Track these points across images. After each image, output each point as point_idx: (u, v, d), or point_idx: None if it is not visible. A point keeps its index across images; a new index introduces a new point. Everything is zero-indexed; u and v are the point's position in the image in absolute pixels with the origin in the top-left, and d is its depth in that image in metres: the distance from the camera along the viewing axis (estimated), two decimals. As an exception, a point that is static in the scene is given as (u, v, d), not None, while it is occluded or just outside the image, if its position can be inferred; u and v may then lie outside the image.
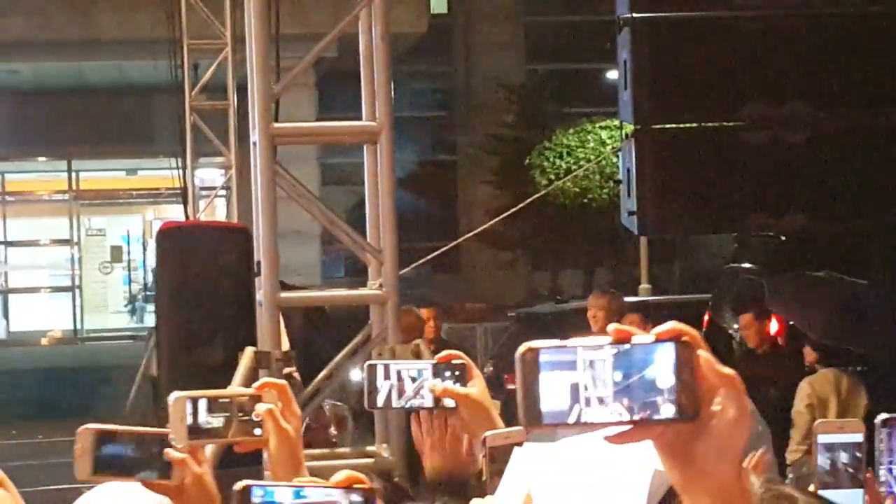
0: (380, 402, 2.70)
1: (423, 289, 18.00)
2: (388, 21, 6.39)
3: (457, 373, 2.66)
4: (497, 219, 15.56)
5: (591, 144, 23.17)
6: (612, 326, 1.38)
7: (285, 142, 6.66)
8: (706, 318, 13.54)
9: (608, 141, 22.21)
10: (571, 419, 1.37)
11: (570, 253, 24.58)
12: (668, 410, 1.36)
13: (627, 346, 1.37)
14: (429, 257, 13.42)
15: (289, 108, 9.52)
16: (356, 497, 1.77)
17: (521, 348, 1.39)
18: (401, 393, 2.68)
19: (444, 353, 2.73)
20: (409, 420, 2.96)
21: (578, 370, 1.37)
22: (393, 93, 6.48)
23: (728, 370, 1.38)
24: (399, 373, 2.67)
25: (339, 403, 10.03)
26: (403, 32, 16.40)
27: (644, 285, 20.22)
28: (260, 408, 2.25)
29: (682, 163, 7.85)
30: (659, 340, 1.37)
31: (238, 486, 1.78)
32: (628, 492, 1.65)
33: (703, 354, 1.37)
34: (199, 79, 13.63)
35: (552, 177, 22.33)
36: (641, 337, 1.38)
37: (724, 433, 1.37)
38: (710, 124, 7.90)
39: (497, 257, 25.09)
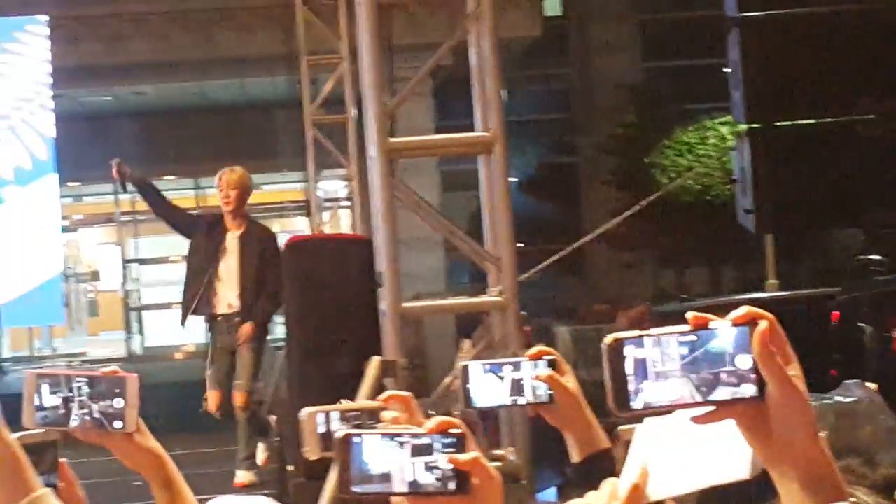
0: (479, 401, 2.72)
1: (547, 292, 18.03)
2: (497, 32, 6.47)
3: (550, 368, 2.69)
4: (619, 218, 15.53)
5: (712, 141, 23.05)
6: (690, 314, 1.48)
7: (401, 156, 6.80)
8: (836, 313, 13.37)
9: (728, 137, 22.05)
10: (657, 404, 1.48)
11: (695, 251, 24.44)
12: (748, 390, 1.47)
13: (707, 331, 1.48)
14: (551, 260, 13.45)
15: (407, 117, 9.65)
16: (449, 440, 1.83)
17: (607, 339, 1.49)
18: (497, 390, 2.71)
19: (535, 349, 2.73)
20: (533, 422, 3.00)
21: (660, 356, 1.48)
22: (510, 97, 6.57)
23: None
24: (494, 370, 2.71)
25: (469, 410, 10.14)
26: (518, 37, 16.49)
27: (771, 281, 20.06)
28: (386, 415, 2.32)
29: (796, 159, 7.84)
30: (736, 325, 1.48)
31: (339, 435, 1.87)
32: (733, 458, 1.73)
33: (770, 330, 1.46)
34: (318, 93, 13.82)
35: (673, 175, 22.25)
36: (719, 322, 1.48)
37: (799, 407, 1.47)
38: (824, 120, 7.87)
39: (621, 258, 25.02)
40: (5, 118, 14.00)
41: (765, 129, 7.78)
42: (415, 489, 1.77)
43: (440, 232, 7.20)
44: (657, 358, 1.48)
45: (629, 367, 1.49)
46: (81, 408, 2.20)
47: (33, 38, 14.05)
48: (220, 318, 10.08)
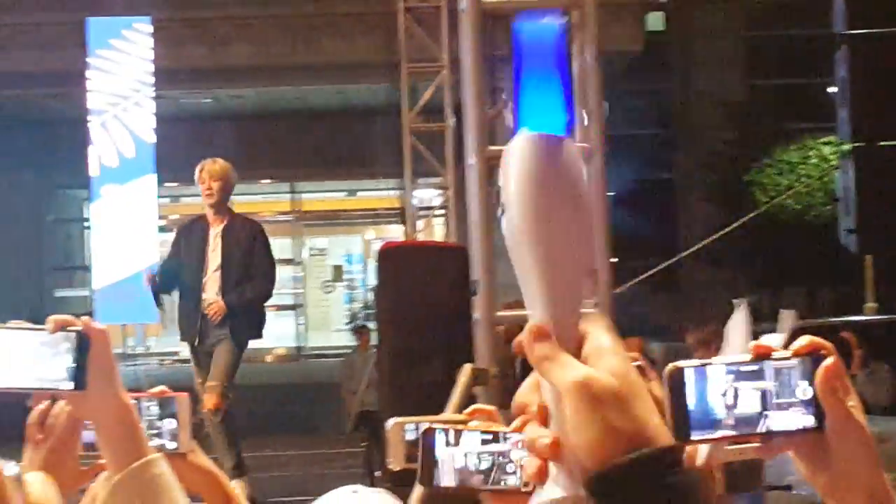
0: None
1: (639, 307, 17.91)
2: (600, 44, 6.44)
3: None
4: (715, 236, 15.41)
5: (814, 161, 22.79)
6: (752, 343, 1.48)
7: (499, 164, 6.78)
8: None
9: (830, 157, 21.80)
10: (718, 434, 1.46)
11: (792, 271, 24.18)
12: (808, 421, 1.45)
13: (768, 361, 1.46)
14: (648, 274, 13.37)
15: (504, 126, 9.62)
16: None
17: (668, 368, 1.47)
18: None
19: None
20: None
21: (723, 385, 1.46)
22: (610, 111, 6.52)
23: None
24: None
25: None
26: (620, 51, 16.40)
27: (869, 304, 19.77)
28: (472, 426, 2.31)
29: (901, 180, 7.72)
30: (797, 355, 1.46)
31: (422, 427, 1.87)
32: None
33: (835, 365, 1.45)
34: (417, 101, 13.85)
35: (773, 194, 22.04)
36: (781, 353, 1.46)
37: (859, 438, 1.46)
38: (931, 140, 7.75)
39: (716, 275, 24.82)
40: (104, 113, 14.15)
41: (870, 149, 7.67)
42: (493, 484, 1.79)
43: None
44: (731, 397, 1.47)
45: (690, 397, 1.47)
46: (150, 428, 2.19)
47: (138, 38, 14.20)
48: (204, 317, 9.38)
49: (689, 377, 1.45)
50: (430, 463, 1.82)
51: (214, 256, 9.42)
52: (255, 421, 14.98)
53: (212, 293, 9.34)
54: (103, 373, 1.85)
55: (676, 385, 1.46)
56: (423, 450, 1.82)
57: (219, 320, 9.28)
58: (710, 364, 1.46)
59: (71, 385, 1.82)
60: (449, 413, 5.42)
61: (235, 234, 9.44)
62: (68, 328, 1.83)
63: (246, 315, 9.43)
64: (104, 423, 1.87)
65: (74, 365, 1.82)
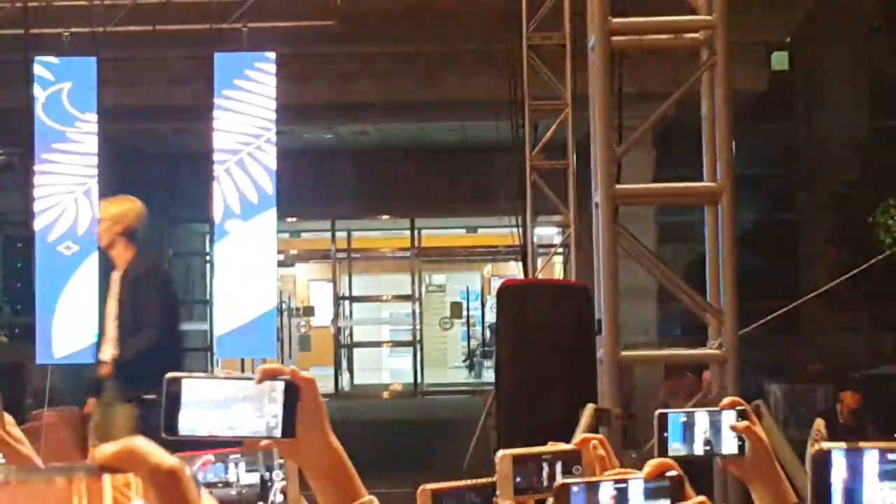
0: (674, 450, 2.68)
1: (758, 349, 17.68)
2: (730, 83, 6.38)
3: (740, 418, 2.67)
4: (840, 279, 15.16)
5: (940, 202, 22.40)
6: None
7: (627, 202, 6.73)
8: None
9: (958, 199, 21.43)
10: None
11: (916, 314, 23.74)
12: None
13: None
14: (770, 317, 13.18)
15: (627, 166, 9.56)
16: (663, 484, 1.82)
17: (813, 448, 1.43)
18: (692, 440, 2.68)
19: (728, 399, 2.72)
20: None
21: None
22: (735, 151, 6.47)
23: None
24: (689, 420, 2.68)
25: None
26: (743, 90, 16.25)
27: None
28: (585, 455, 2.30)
29: None
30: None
31: (557, 483, 1.86)
32: None
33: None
34: (539, 138, 13.84)
35: (896, 235, 21.69)
36: None
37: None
38: None
39: (838, 318, 24.43)
40: (235, 153, 14.31)
41: None
42: None
43: (662, 281, 7.08)
44: (872, 470, 1.41)
45: (836, 479, 1.41)
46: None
47: (262, 76, 14.35)
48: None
49: (838, 459, 1.40)
50: None
51: (112, 304, 8.92)
52: (371, 457, 15.00)
53: (108, 346, 8.87)
54: (313, 420, 1.89)
55: (821, 466, 1.40)
56: None
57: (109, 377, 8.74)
58: (867, 448, 1.40)
59: (280, 433, 1.86)
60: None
61: (128, 281, 8.85)
62: (277, 377, 1.86)
63: (136, 369, 8.60)
64: (316, 469, 1.92)
65: (284, 413, 1.85)
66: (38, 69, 14.55)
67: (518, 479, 2.26)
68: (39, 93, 14.52)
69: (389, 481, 14.07)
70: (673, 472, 1.86)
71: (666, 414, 2.68)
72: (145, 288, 8.74)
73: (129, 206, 9.04)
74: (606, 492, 1.86)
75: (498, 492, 2.27)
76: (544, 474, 2.29)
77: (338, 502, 1.92)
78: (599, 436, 2.40)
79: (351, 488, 1.93)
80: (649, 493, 1.85)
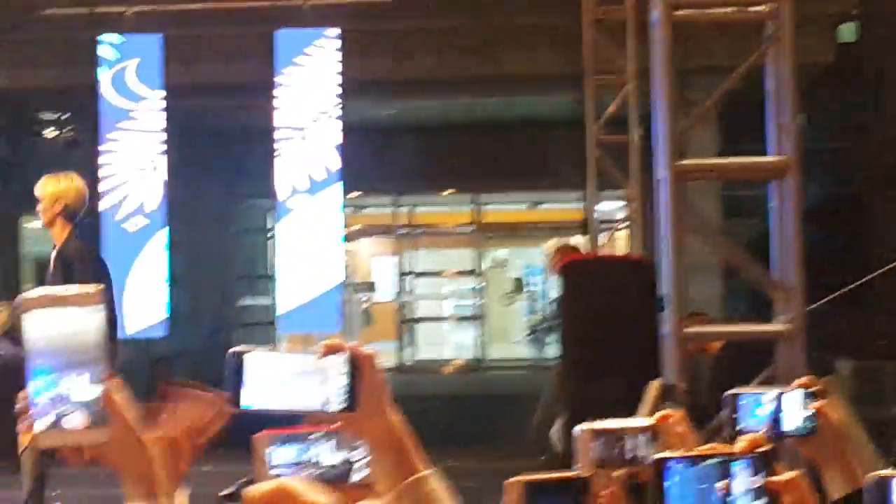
0: (744, 430, 2.66)
1: (826, 325, 17.53)
2: (795, 57, 6.31)
3: (812, 398, 2.63)
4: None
5: None
6: None
7: (690, 178, 6.67)
8: None
9: None
10: None
11: None
12: None
13: None
14: (837, 293, 13.07)
15: (691, 140, 9.51)
16: (759, 459, 1.82)
17: (868, 477, 1.43)
18: (762, 420, 2.64)
19: (802, 378, 2.68)
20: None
21: None
22: (799, 125, 6.41)
23: None
24: (759, 400, 2.65)
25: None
26: (809, 63, 16.09)
27: None
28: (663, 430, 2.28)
29: None
30: None
31: (656, 457, 1.86)
32: None
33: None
34: (601, 112, 13.77)
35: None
36: None
37: None
38: None
39: (906, 292, 24.18)
40: (299, 129, 14.36)
41: None
42: None
43: (726, 256, 7.04)
44: None
45: None
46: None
47: (324, 52, 14.38)
48: None
49: None
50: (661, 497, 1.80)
51: (51, 281, 8.76)
52: (434, 432, 15.06)
53: None
54: (373, 394, 1.91)
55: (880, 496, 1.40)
56: (654, 482, 1.79)
57: None
58: None
59: (342, 407, 1.88)
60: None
61: (63, 258, 8.72)
62: (338, 352, 1.89)
63: None
64: (376, 443, 1.93)
65: (345, 387, 1.88)
66: (103, 48, 14.65)
67: (597, 454, 2.26)
68: (105, 71, 14.63)
69: (453, 456, 14.12)
70: (765, 448, 1.86)
71: (736, 394, 2.65)
72: (79, 271, 8.59)
73: (68, 185, 8.87)
74: (706, 467, 1.86)
75: (579, 464, 2.27)
76: (624, 448, 2.29)
77: (398, 475, 1.93)
78: (679, 412, 2.38)
79: (411, 462, 1.94)
80: (748, 469, 1.85)
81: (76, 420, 1.70)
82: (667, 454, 1.85)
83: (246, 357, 1.85)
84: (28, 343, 1.70)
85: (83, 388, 1.71)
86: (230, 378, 1.84)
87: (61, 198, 8.75)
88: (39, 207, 8.78)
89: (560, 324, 9.83)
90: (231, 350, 1.86)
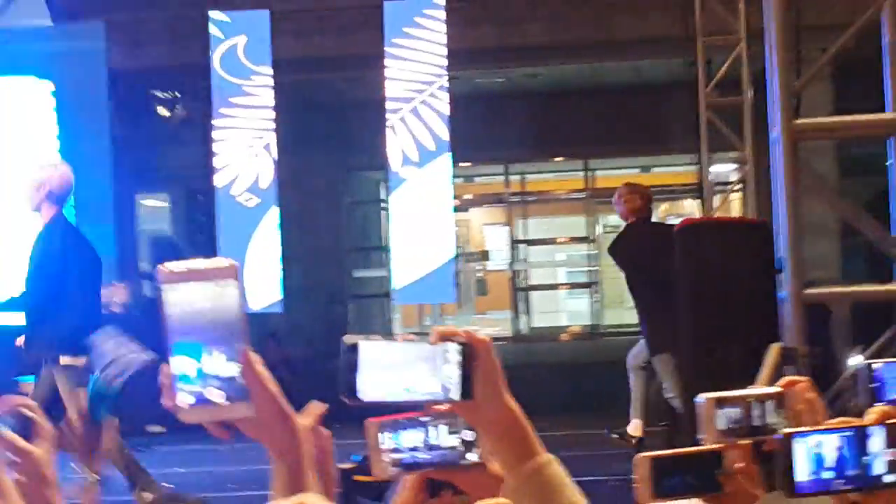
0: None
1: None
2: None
3: None
4: None
5: None
6: None
7: (806, 137, 6.58)
8: None
9: None
10: None
11: None
12: None
13: None
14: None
15: (805, 100, 9.35)
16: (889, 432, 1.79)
17: None
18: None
19: None
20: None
21: None
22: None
23: None
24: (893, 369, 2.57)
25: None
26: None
27: None
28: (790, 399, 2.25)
29: None
30: None
31: (784, 431, 1.83)
32: None
33: None
34: (713, 75, 13.63)
35: None
36: None
37: None
38: None
39: None
40: (408, 101, 14.39)
41: None
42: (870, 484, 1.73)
43: (844, 216, 6.93)
44: None
45: None
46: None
47: (432, 22, 14.39)
48: None
49: None
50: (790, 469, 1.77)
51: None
52: (552, 400, 15.05)
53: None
54: (490, 382, 1.89)
55: None
56: (782, 455, 1.76)
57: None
58: None
59: (458, 395, 1.86)
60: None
61: (35, 238, 8.88)
62: (452, 339, 1.86)
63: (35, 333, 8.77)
64: (494, 430, 1.91)
65: (461, 375, 1.86)
66: (213, 25, 14.79)
67: (723, 423, 2.22)
68: (215, 49, 14.77)
69: (571, 423, 14.09)
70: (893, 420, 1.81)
71: (871, 364, 2.58)
72: (35, 250, 8.78)
73: (51, 172, 8.92)
74: (837, 439, 1.82)
75: (701, 435, 2.23)
76: (751, 417, 2.24)
77: (515, 461, 1.91)
78: (805, 378, 2.32)
79: (528, 447, 1.92)
80: (884, 441, 1.81)
81: (220, 395, 1.70)
82: (796, 428, 1.81)
83: (360, 345, 1.84)
84: (169, 317, 1.69)
85: (225, 362, 1.71)
86: (345, 368, 1.83)
87: (45, 183, 8.82)
88: (25, 193, 8.86)
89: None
90: (345, 338, 1.85)
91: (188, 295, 1.70)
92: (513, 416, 1.91)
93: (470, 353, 1.86)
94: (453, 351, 1.86)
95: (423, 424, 1.93)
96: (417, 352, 1.85)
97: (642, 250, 11.00)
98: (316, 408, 1.92)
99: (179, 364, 1.69)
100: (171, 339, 1.69)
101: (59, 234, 8.93)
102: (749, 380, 5.90)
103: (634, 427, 11.47)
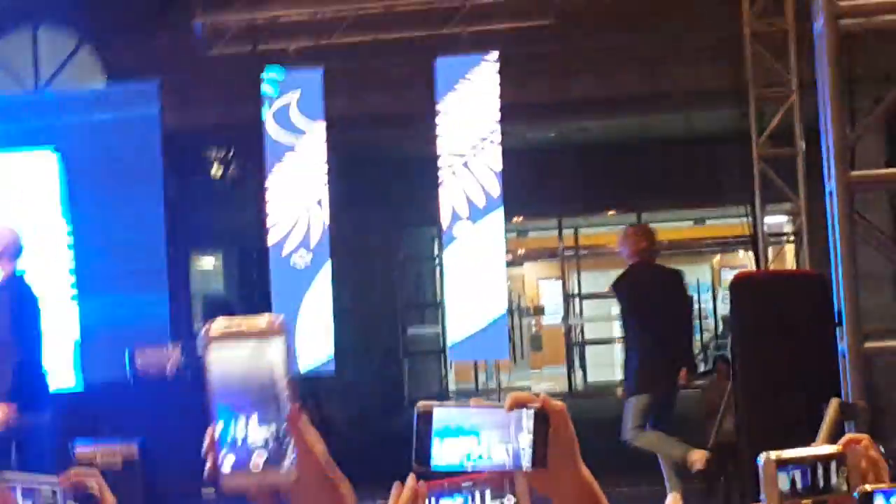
0: None
1: None
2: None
3: None
4: None
5: None
6: None
7: (862, 188, 6.54)
8: None
9: None
10: None
11: None
12: None
13: None
14: None
15: (858, 150, 9.30)
16: None
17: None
18: None
19: None
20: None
21: None
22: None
23: None
24: None
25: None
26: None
27: None
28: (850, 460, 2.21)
29: None
30: None
31: (860, 489, 1.81)
32: None
33: None
34: (764, 126, 13.59)
35: None
36: None
37: None
38: None
39: None
40: (460, 156, 14.42)
41: None
42: None
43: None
44: None
45: None
46: None
47: (484, 77, 14.43)
48: None
49: None
50: None
51: None
52: (607, 456, 14.92)
53: None
54: (564, 450, 1.86)
55: None
56: None
57: None
58: None
59: (531, 463, 1.83)
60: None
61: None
62: (527, 405, 1.83)
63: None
64: (567, 500, 1.88)
65: (535, 443, 1.83)
66: (266, 84, 14.89)
67: (783, 483, 2.18)
68: (268, 106, 14.86)
69: (627, 480, 13.96)
70: None
71: None
72: (16, 308, 9.17)
73: (6, 234, 9.46)
74: None
75: (764, 496, 2.20)
76: (814, 478, 2.20)
77: None
78: (866, 436, 2.28)
79: None
80: None
81: (262, 459, 1.67)
82: (876, 485, 1.77)
83: (435, 411, 1.82)
84: (211, 379, 1.66)
85: (268, 424, 1.68)
86: (419, 434, 1.80)
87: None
88: None
89: (732, 343, 9.68)
90: (419, 405, 1.83)
91: (232, 355, 1.66)
92: (588, 487, 1.89)
93: (545, 421, 1.83)
94: (527, 418, 1.83)
95: (467, 490, 1.91)
96: (491, 418, 1.82)
97: (643, 290, 11.14)
98: None
99: (222, 427, 1.66)
100: (214, 402, 1.66)
101: (28, 290, 9.48)
102: (809, 435, 5.83)
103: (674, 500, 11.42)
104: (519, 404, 1.83)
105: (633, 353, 11.31)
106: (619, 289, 11.54)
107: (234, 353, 1.66)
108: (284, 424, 1.67)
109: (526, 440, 1.83)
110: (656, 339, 10.83)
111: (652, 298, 11.01)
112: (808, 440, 4.91)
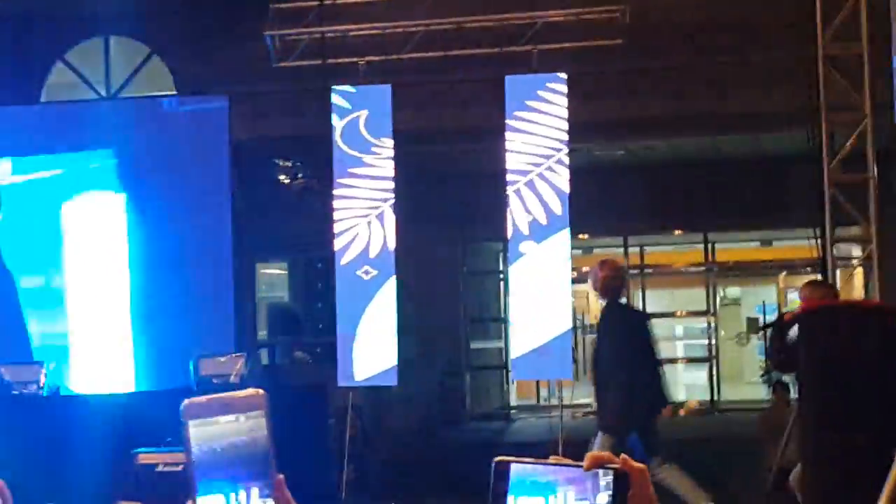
0: None
1: None
2: None
3: None
4: None
5: None
6: None
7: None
8: None
9: None
10: None
11: None
12: None
13: None
14: None
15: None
16: None
17: None
18: None
19: None
20: None
21: None
22: None
23: None
24: None
25: None
26: None
27: None
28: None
29: None
30: None
31: None
32: None
33: None
34: (836, 149, 13.47)
35: None
36: None
37: None
38: None
39: None
40: (525, 174, 14.41)
41: None
42: None
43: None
44: None
45: None
46: None
47: (553, 96, 14.40)
48: None
49: None
50: None
51: None
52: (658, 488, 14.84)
53: None
54: None
55: None
56: None
57: None
58: None
59: None
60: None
61: None
62: (606, 465, 1.80)
63: None
64: None
65: (613, 503, 1.79)
66: (335, 98, 14.94)
67: None
68: (337, 121, 14.91)
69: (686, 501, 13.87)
70: None
71: None
72: None
73: None
74: None
75: None
76: None
77: None
78: None
79: None
80: None
81: None
82: None
83: (512, 466, 1.80)
84: (194, 454, 1.62)
85: (257, 498, 1.66)
86: (495, 488, 1.78)
87: None
88: None
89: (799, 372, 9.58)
90: (496, 461, 1.81)
91: (213, 430, 1.63)
92: None
93: (624, 481, 1.79)
94: (606, 477, 1.80)
95: None
96: (568, 475, 1.80)
97: (628, 328, 11.95)
98: None
99: (223, 502, 1.64)
100: (197, 478, 1.62)
101: None
102: (879, 470, 5.74)
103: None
104: (598, 463, 1.80)
105: (609, 392, 11.57)
106: (609, 323, 11.79)
107: (220, 428, 1.63)
108: (272, 499, 1.66)
109: (603, 500, 1.79)
110: (634, 380, 11.32)
111: (632, 342, 11.70)
112: (879, 474, 4.82)
